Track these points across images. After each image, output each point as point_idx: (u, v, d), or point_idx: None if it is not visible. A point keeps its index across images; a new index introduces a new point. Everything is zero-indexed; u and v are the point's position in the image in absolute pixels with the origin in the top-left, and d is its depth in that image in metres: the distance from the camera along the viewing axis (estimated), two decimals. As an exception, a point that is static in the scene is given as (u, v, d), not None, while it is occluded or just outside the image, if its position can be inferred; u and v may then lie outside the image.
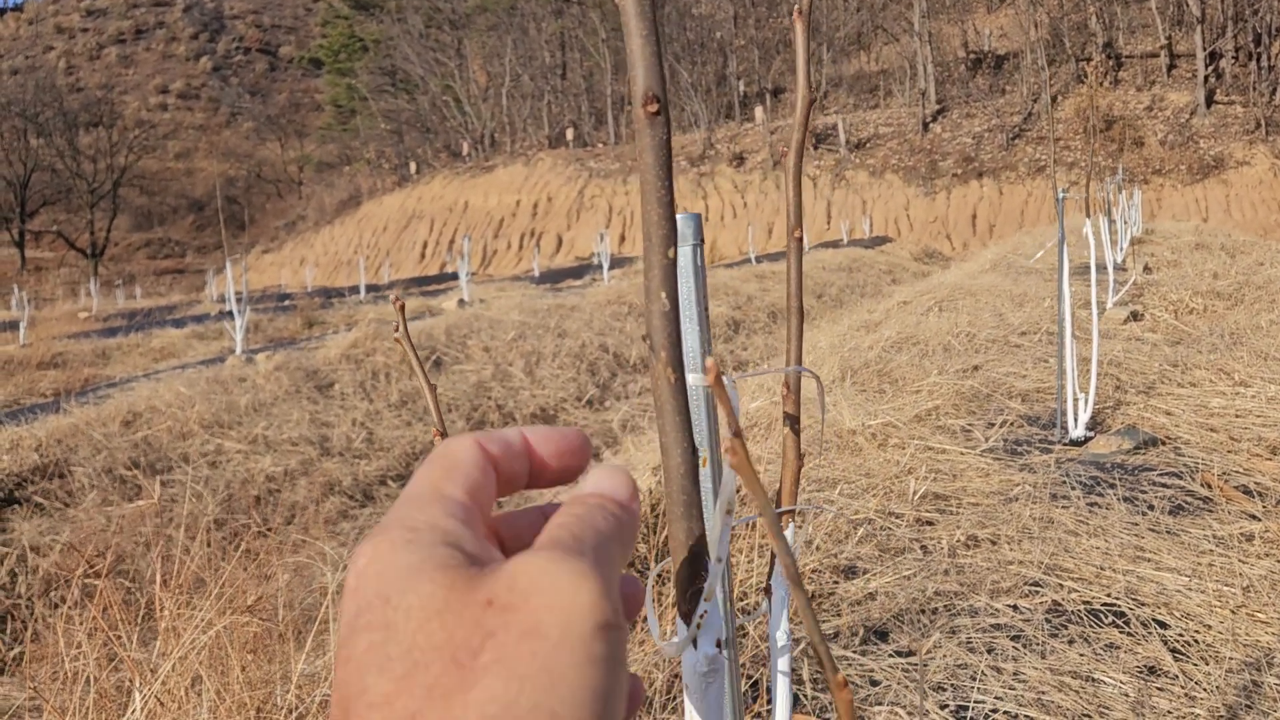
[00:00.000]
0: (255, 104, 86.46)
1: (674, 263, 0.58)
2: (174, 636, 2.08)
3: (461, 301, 14.40)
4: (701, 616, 0.59)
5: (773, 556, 0.77)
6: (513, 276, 27.49)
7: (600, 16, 49.25)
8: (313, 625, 2.27)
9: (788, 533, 0.76)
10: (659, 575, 3.14)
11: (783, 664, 0.76)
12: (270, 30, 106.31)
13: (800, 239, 0.76)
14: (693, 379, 0.78)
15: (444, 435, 0.76)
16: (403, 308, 0.76)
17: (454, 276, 28.15)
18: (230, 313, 10.55)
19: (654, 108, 0.55)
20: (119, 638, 2.20)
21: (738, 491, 0.81)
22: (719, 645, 0.59)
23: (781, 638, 0.76)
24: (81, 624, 2.10)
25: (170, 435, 6.71)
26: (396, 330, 0.76)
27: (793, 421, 0.74)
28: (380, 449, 7.48)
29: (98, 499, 5.84)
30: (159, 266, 68.52)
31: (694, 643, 0.59)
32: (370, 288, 24.04)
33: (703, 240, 0.71)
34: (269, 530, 4.57)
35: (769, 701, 2.14)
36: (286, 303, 17.70)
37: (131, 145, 66.00)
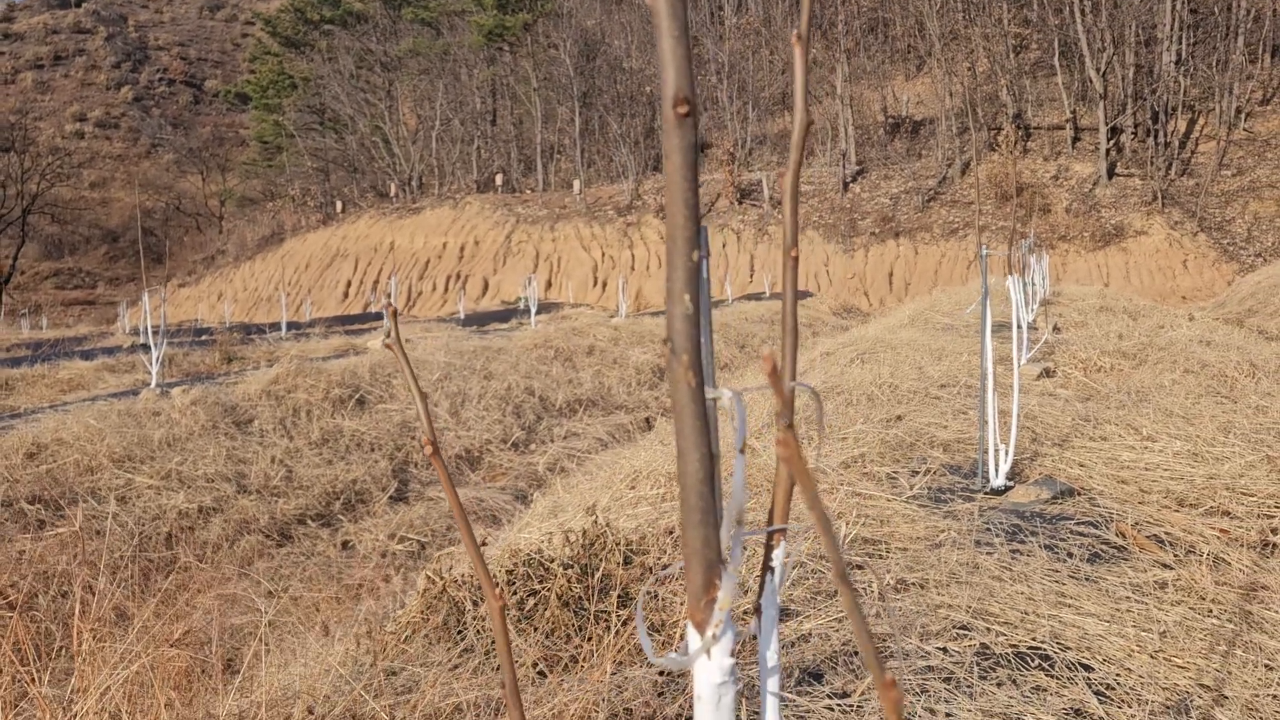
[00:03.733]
0: (177, 136, 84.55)
1: (698, 265, 0.59)
2: (91, 671, 1.98)
3: (386, 341, 14.17)
4: (717, 626, 0.59)
5: (762, 576, 0.77)
6: (438, 318, 27.23)
7: (532, 65, 49.69)
8: (240, 656, 2.19)
9: (779, 551, 0.76)
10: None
11: (772, 684, 0.76)
12: (196, 63, 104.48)
13: (796, 259, 0.77)
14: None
15: (434, 444, 0.75)
16: (395, 312, 0.76)
17: (378, 316, 27.75)
18: (145, 345, 10.21)
19: (684, 109, 0.57)
20: (30, 674, 2.09)
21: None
22: (732, 654, 0.59)
23: (772, 658, 0.76)
24: (-9, 658, 1.98)
25: (78, 469, 6.42)
26: (388, 337, 0.75)
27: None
28: (300, 487, 7.28)
29: (-5, 535, 5.55)
30: (68, 297, 66.05)
31: (708, 653, 0.59)
32: (291, 325, 23.55)
33: (709, 253, 0.72)
34: (183, 568, 4.40)
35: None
36: (204, 337, 17.21)
37: (44, 172, 63.87)
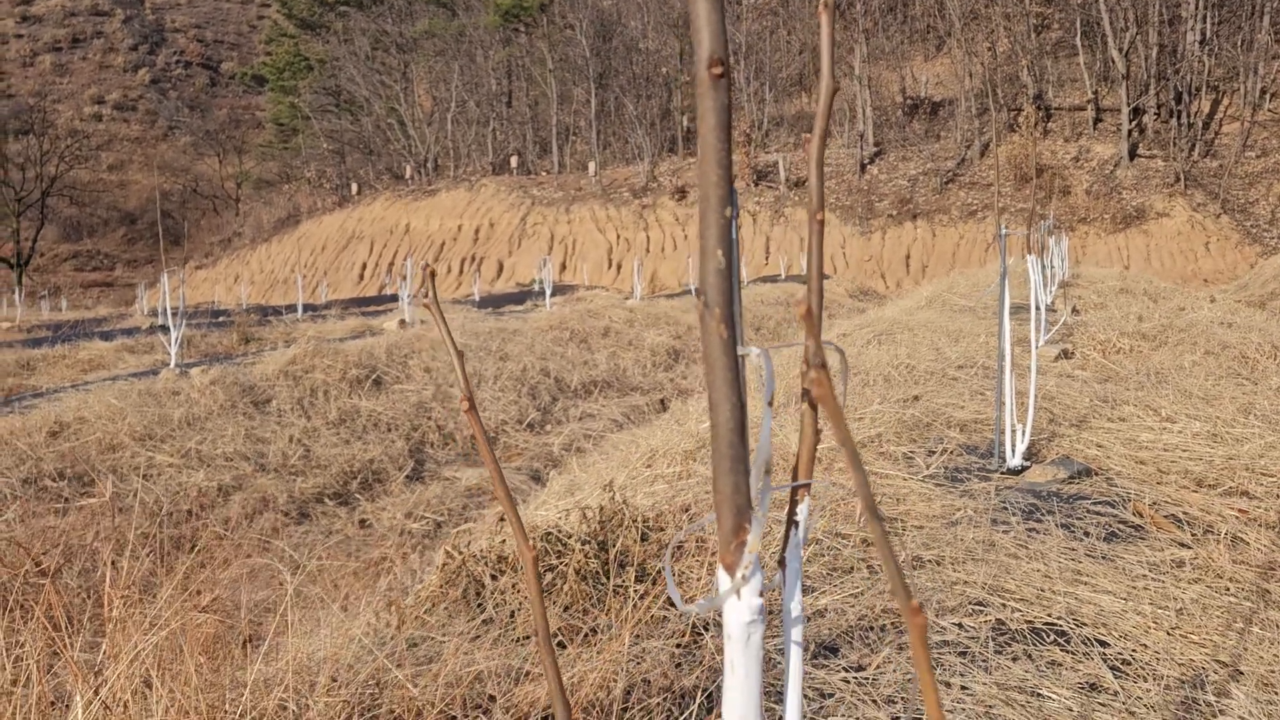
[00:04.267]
0: (194, 118, 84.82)
1: (730, 221, 0.60)
2: (122, 636, 2.02)
3: (403, 322, 14.27)
4: (746, 568, 0.61)
5: (786, 530, 0.79)
6: (453, 300, 27.32)
7: (548, 46, 49.53)
8: (264, 630, 2.23)
9: (803, 505, 0.78)
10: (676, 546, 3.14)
11: (796, 634, 0.78)
12: (212, 45, 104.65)
13: (822, 222, 0.79)
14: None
15: (471, 400, 0.77)
16: (433, 273, 0.78)
17: (393, 298, 27.87)
18: (164, 326, 10.30)
19: (718, 70, 0.58)
20: (63, 639, 2.14)
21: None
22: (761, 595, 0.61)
23: (795, 609, 0.78)
24: (26, 624, 2.03)
25: (99, 447, 6.51)
26: (427, 296, 0.77)
27: (811, 398, 0.76)
28: (317, 466, 7.35)
29: (20, 510, 5.63)
30: (87, 279, 66.56)
31: (738, 594, 0.61)
32: (308, 307, 23.68)
33: (738, 212, 0.74)
34: (206, 546, 4.46)
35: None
36: (221, 319, 17.34)
37: (63, 155, 64.19)
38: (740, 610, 0.60)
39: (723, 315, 0.60)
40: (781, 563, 0.79)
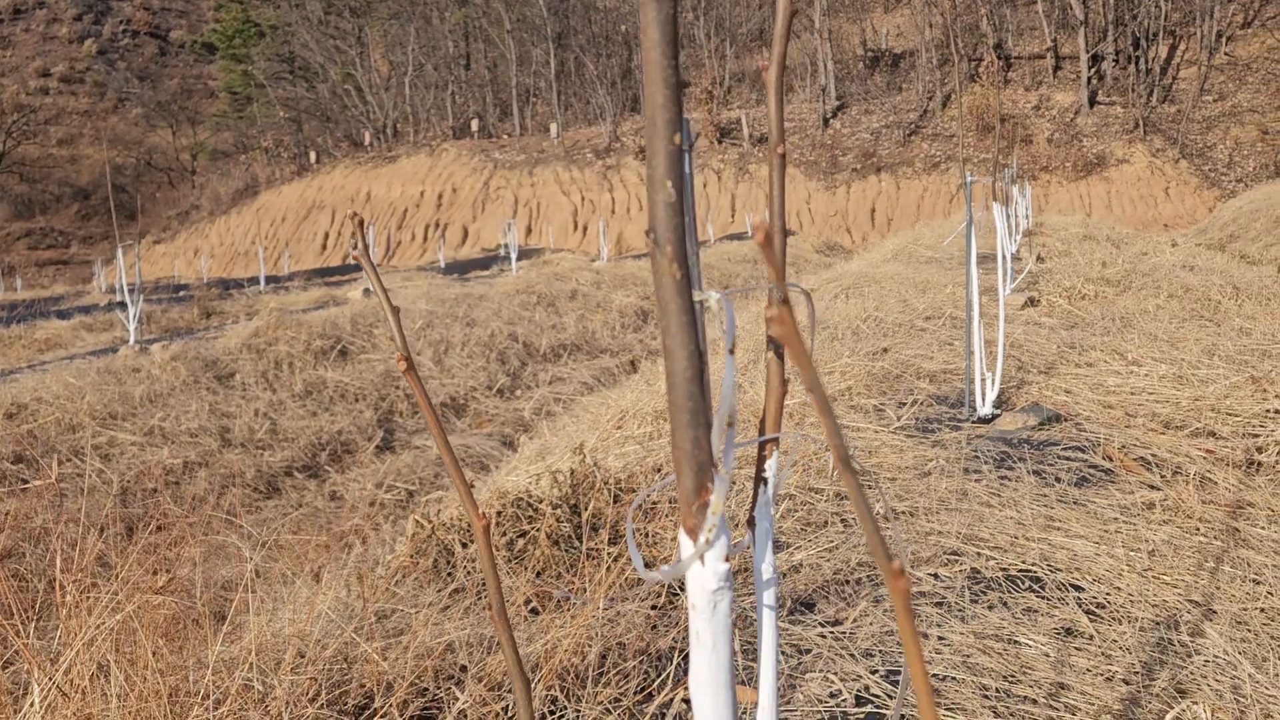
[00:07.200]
0: (144, 89, 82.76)
1: (680, 150, 0.54)
2: (76, 622, 1.95)
3: (367, 290, 14.07)
4: (710, 531, 0.56)
5: (755, 487, 0.74)
6: (418, 267, 27.04)
7: (505, 6, 48.70)
8: (228, 609, 2.17)
9: (771, 461, 0.73)
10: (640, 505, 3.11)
11: (769, 597, 0.74)
12: (160, 13, 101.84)
13: (783, 155, 0.73)
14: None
15: (408, 360, 0.71)
16: (361, 223, 0.71)
17: (357, 268, 27.50)
18: (122, 303, 10.07)
19: (662, -22, 0.52)
20: (14, 627, 2.07)
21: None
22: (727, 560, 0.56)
23: (767, 570, 0.74)
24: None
25: (59, 427, 6.36)
26: (370, 294, 0.70)
27: (777, 345, 0.71)
28: (284, 439, 7.24)
29: (-21, 496, 5.50)
30: (41, 257, 65.15)
31: (701, 559, 0.56)
32: (270, 279, 23.32)
33: (692, 145, 0.68)
34: (169, 524, 4.37)
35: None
36: (182, 293, 17.02)
37: (10, 131, 62.53)
38: (705, 577, 0.54)
39: (675, 254, 0.54)
40: (751, 523, 0.74)
